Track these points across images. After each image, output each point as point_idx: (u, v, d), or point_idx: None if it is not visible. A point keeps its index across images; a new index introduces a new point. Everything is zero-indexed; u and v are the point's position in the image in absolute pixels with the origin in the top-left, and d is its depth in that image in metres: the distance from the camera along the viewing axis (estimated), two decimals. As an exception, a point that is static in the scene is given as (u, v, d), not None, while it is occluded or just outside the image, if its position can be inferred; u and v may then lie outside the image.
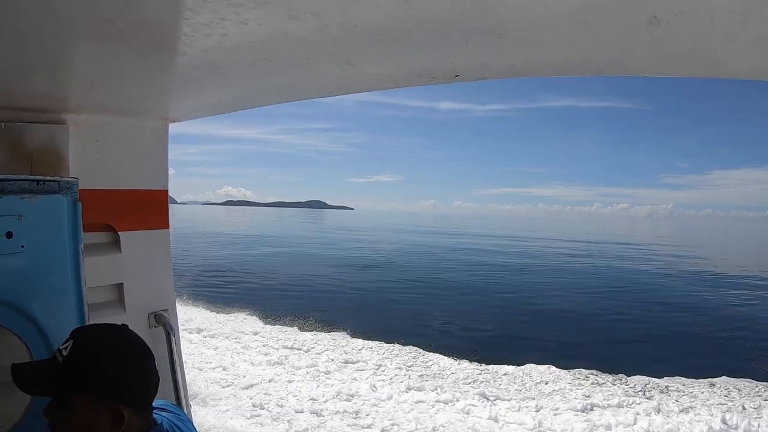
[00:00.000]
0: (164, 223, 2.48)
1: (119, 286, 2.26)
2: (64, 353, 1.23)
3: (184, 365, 2.47)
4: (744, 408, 6.95)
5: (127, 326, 1.37)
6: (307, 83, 1.71)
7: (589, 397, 7.17)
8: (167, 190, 2.47)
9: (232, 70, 1.52)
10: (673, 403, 7.03)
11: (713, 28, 1.24)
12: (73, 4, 1.07)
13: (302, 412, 6.40)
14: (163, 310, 2.39)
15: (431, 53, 1.44)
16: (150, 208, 2.40)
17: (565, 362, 8.67)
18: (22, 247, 1.61)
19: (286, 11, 1.06)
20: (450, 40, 1.35)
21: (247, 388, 7.16)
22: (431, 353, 9.23)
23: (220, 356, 8.55)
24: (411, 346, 9.55)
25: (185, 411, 1.77)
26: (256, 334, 10.16)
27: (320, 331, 10.80)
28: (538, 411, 6.66)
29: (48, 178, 1.73)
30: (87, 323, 1.78)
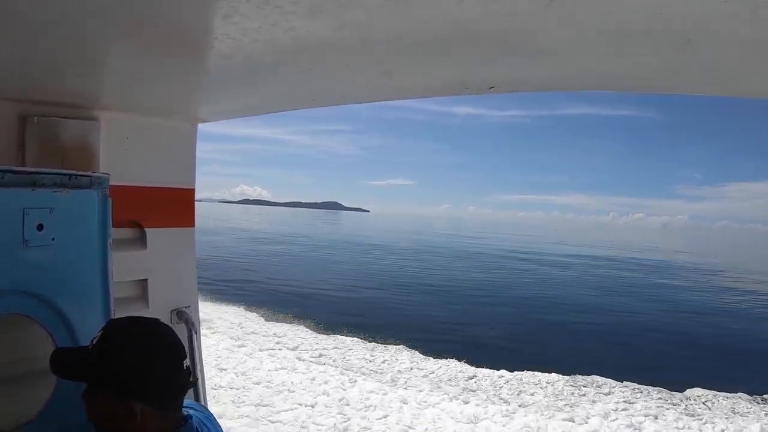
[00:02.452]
0: (190, 222, 2.51)
1: (143, 282, 2.29)
2: (94, 343, 1.27)
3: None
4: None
5: (159, 320, 1.38)
6: (343, 90, 1.73)
7: None
8: (194, 189, 2.50)
9: (271, 75, 1.54)
10: None
11: (739, 52, 1.27)
12: (113, 5, 1.08)
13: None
14: (186, 307, 2.40)
15: (469, 65, 1.46)
16: (176, 206, 2.43)
17: None
18: (53, 239, 1.63)
19: (337, 21, 1.08)
20: (489, 53, 1.37)
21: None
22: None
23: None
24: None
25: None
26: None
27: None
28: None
29: (80, 172, 1.75)
30: (113, 317, 1.79)
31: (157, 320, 1.37)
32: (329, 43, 1.22)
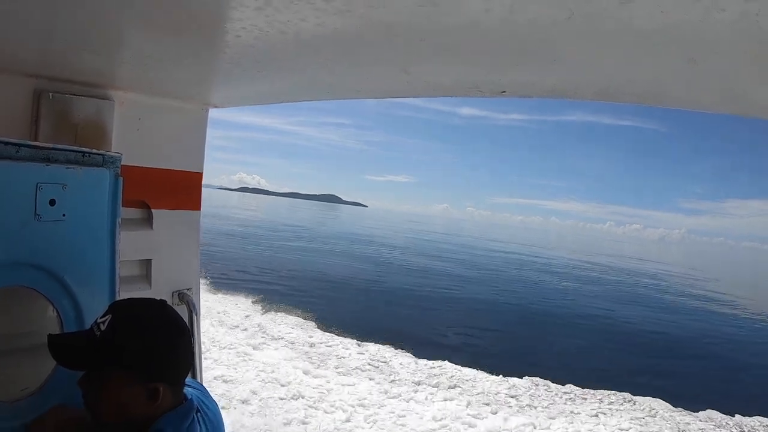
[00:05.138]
0: (196, 205, 2.53)
1: (147, 262, 2.31)
2: (102, 327, 1.25)
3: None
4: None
5: (165, 302, 1.41)
6: (359, 85, 1.76)
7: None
8: (202, 173, 2.52)
9: (290, 65, 1.57)
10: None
11: (745, 71, 1.32)
12: None
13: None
14: (187, 289, 2.43)
15: (484, 69, 1.50)
16: (184, 189, 2.45)
17: None
18: (63, 215, 1.65)
19: (366, 20, 1.12)
20: (505, 59, 1.41)
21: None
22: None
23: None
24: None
25: None
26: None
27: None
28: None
29: (93, 150, 1.77)
30: (118, 296, 1.81)
31: (163, 301, 1.40)
32: (354, 38, 1.26)
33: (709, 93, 1.59)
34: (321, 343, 10.84)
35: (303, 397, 7.82)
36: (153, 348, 1.26)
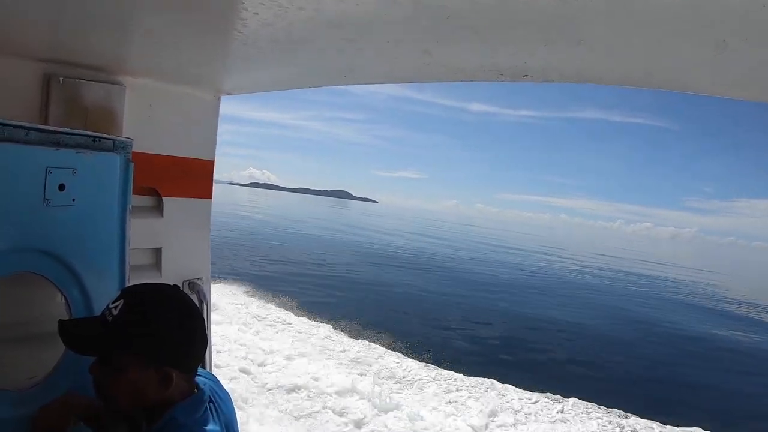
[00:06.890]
0: (207, 194, 2.50)
1: (158, 251, 2.28)
2: (114, 313, 1.22)
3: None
4: None
5: (178, 287, 1.37)
6: (379, 67, 1.72)
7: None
8: (213, 161, 2.49)
9: (308, 47, 1.53)
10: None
11: None
12: None
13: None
14: (198, 279, 2.40)
15: (508, 51, 1.45)
16: (195, 177, 2.42)
17: None
18: (73, 200, 1.62)
19: None
20: (530, 41, 1.37)
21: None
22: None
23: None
24: None
25: None
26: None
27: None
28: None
29: (104, 135, 1.74)
30: (127, 284, 1.78)
31: (175, 286, 1.37)
32: (378, 16, 1.21)
33: (738, 79, 1.54)
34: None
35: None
36: (165, 333, 1.23)
